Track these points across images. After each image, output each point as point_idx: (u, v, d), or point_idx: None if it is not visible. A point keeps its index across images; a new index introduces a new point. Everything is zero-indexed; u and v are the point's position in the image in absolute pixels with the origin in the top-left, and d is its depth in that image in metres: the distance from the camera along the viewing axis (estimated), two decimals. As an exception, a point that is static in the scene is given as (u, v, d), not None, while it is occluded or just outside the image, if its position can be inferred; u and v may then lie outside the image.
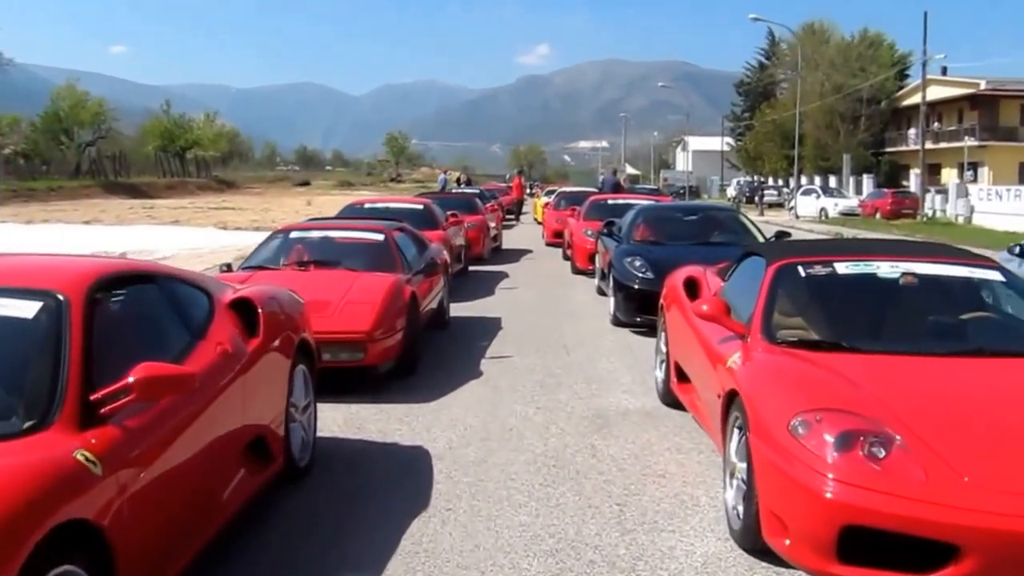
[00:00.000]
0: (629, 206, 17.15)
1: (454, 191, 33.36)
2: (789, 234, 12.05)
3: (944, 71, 55.91)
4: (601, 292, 13.49)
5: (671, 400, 7.01)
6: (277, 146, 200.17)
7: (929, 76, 55.45)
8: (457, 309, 12.00)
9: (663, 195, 35.18)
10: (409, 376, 8.08)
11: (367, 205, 15.54)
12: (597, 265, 14.01)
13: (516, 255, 20.89)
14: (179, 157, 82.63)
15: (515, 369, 8.53)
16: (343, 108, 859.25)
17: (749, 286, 5.64)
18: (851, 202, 45.07)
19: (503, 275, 16.65)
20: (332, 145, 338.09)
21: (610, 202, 18.67)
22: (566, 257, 18.83)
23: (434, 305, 10.11)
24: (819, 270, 5.32)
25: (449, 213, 16.32)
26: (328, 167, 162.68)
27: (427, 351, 9.15)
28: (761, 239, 11.59)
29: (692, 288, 6.71)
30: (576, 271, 16.59)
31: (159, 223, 31.79)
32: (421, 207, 15.37)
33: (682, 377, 6.61)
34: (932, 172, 51.72)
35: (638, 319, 10.34)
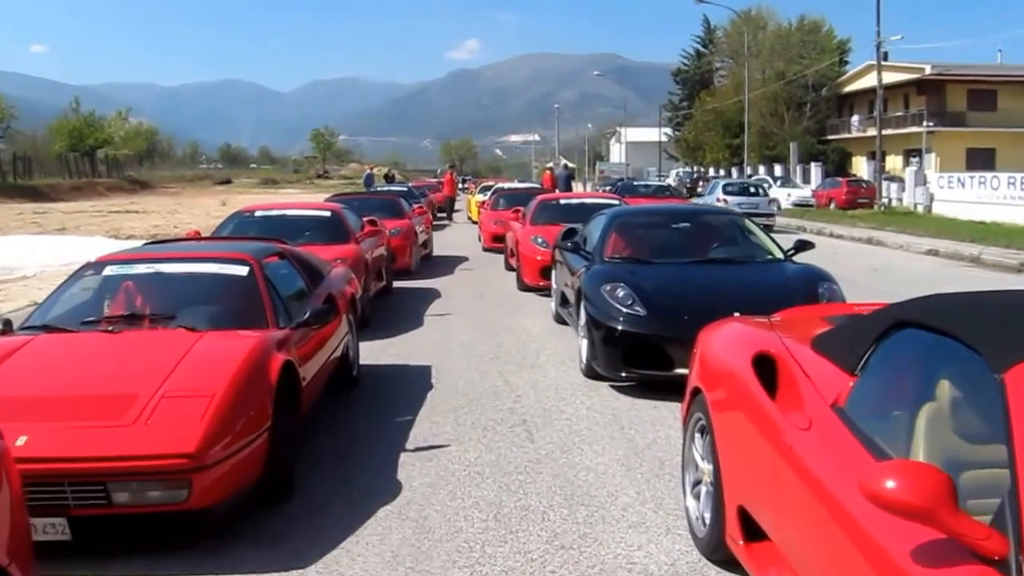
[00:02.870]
0: (585, 207, 14.29)
1: (379, 189, 30.38)
2: (812, 244, 9.15)
3: (886, 56, 53.85)
4: (560, 320, 10.51)
5: (724, 555, 4.04)
6: (200, 144, 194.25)
7: (871, 62, 53.48)
8: (372, 352, 8.92)
9: (676, 196, 28.49)
10: (282, 502, 5.00)
11: (259, 213, 12.12)
12: (554, 284, 10.98)
13: (449, 264, 17.78)
14: (89, 157, 77.61)
15: (453, 476, 5.47)
16: (271, 105, 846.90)
17: (915, 396, 2.71)
18: (804, 192, 42.69)
19: (434, 294, 13.57)
20: (261, 143, 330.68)
21: (563, 202, 15.64)
22: (509, 267, 15.82)
23: (338, 354, 7.04)
24: None
25: (366, 219, 13.20)
26: (253, 165, 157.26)
27: (318, 439, 6.07)
28: (779, 253, 8.64)
29: (765, 370, 3.72)
30: (524, 288, 13.56)
31: (43, 231, 27.94)
32: (328, 214, 12.12)
33: (753, 532, 3.65)
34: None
35: (623, 374, 7.33)
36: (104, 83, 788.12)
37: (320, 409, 6.53)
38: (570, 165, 34.68)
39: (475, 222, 28.75)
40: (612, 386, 7.57)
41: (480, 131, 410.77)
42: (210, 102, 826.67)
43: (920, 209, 35.69)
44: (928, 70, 51.11)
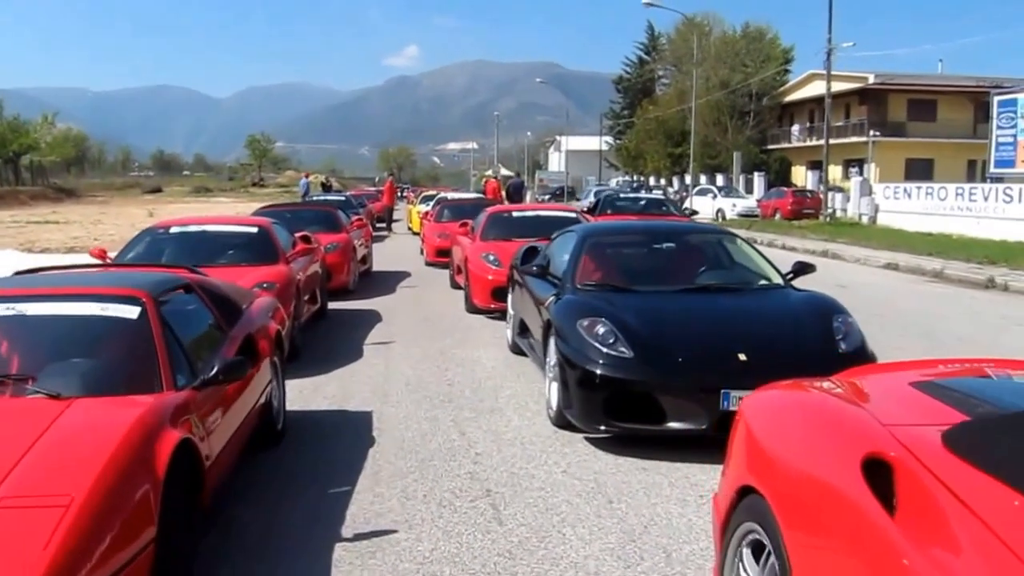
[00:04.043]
0: (541, 221, 13.17)
1: (316, 198, 29.09)
2: (813, 267, 8.04)
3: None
4: (517, 350, 9.30)
5: None
6: (134, 151, 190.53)
7: (813, 71, 53.37)
8: (301, 393, 7.65)
9: (679, 214, 24.33)
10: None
11: (174, 230, 10.61)
12: (511, 309, 9.76)
13: (391, 281, 16.50)
14: (11, 164, 74.59)
15: (402, 580, 4.22)
16: (207, 111, 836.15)
17: None
18: (750, 202, 42.09)
19: (374, 317, 12.28)
20: (196, 149, 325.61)
21: (516, 215, 14.38)
22: (456, 285, 14.60)
23: (261, 402, 5.77)
24: None
25: (299, 235, 11.89)
26: (187, 172, 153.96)
27: (226, 525, 4.77)
28: (777, 277, 7.53)
29: (879, 476, 2.50)
30: (473, 309, 12.33)
31: (-49, 244, 25.98)
32: (255, 230, 10.71)
33: None
34: (817, 169, 49.14)
35: (603, 427, 6.12)
36: (34, 87, 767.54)
37: (233, 477, 5.24)
38: (516, 174, 33.40)
39: (416, 233, 27.56)
40: (588, 439, 6.37)
41: (418, 139, 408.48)
42: (144, 107, 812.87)
43: (865, 220, 35.27)
44: (871, 79, 51.02)
